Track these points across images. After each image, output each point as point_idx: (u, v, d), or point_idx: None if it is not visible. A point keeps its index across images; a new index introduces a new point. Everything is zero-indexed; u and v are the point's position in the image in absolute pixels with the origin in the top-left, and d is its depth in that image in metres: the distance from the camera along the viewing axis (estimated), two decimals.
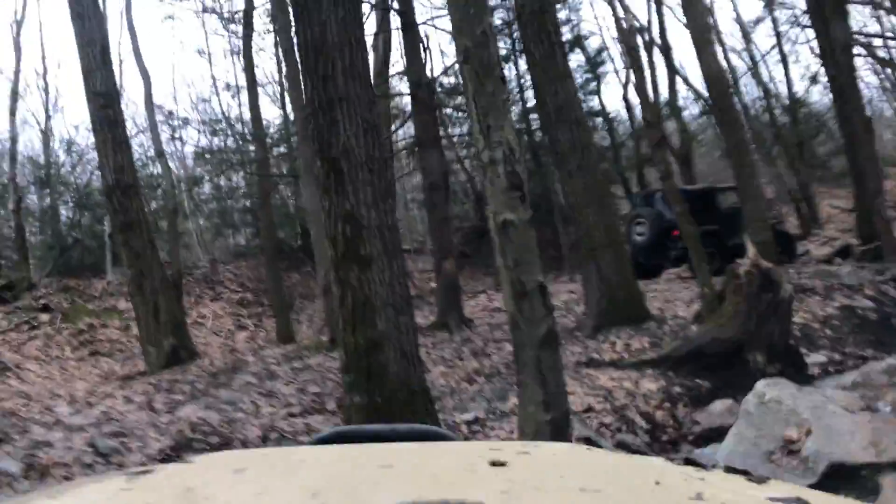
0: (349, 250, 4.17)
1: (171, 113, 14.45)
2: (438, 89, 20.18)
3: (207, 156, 20.49)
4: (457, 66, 22.08)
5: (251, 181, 25.33)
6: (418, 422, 4.03)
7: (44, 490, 1.29)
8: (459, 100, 23.45)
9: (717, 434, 6.01)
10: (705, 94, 18.67)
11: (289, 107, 18.45)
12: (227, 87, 24.17)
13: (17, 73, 20.42)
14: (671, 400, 6.98)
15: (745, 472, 1.32)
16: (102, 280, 21.14)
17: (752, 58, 25.94)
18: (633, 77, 24.61)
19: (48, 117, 24.64)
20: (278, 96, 22.45)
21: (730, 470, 1.51)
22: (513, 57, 23.80)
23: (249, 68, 14.37)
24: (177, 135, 17.07)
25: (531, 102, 22.86)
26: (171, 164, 20.89)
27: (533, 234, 3.65)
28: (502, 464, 1.22)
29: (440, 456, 1.44)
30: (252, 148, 19.89)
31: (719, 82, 13.08)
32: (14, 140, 20.82)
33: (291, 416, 7.35)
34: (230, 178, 25.13)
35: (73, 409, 8.82)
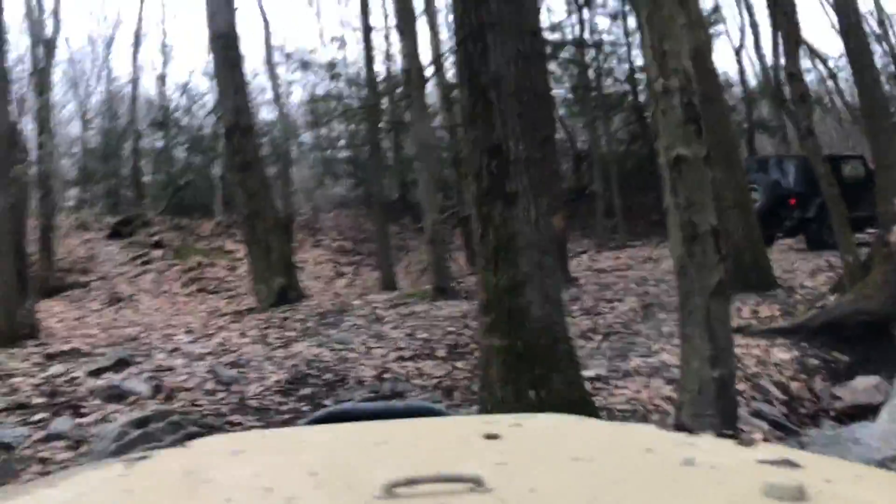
0: (494, 185, 3.95)
1: (289, 56, 14.47)
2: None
3: (322, 102, 20.57)
4: (565, 17, 21.40)
5: (354, 132, 25.54)
6: (561, 372, 3.83)
7: (44, 478, 1.29)
8: (564, 55, 22.75)
9: (862, 412, 5.58)
10: (830, 54, 17.30)
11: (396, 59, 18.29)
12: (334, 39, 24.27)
13: (140, 17, 21.03)
14: (806, 372, 6.53)
15: (733, 436, 1.32)
16: (212, 221, 21.90)
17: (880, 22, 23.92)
18: (749, 36, 23.24)
19: (165, 62, 25.50)
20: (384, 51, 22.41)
21: (720, 435, 1.45)
22: (622, 13, 22.74)
23: (364, 10, 14.30)
24: (293, 76, 17.13)
25: (638, 61, 21.92)
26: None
27: (708, 173, 3.34)
28: (496, 437, 1.24)
29: (435, 431, 1.46)
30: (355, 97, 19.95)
31: (857, 37, 12.03)
32: (135, 83, 21.62)
33: (402, 359, 7.31)
34: (333, 128, 25.35)
35: (191, 338, 9.12)
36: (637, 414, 4.92)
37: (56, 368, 7.42)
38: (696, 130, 3.32)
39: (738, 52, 24.17)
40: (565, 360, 3.92)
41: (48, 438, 5.32)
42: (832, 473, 1.02)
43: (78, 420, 5.68)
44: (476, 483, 0.92)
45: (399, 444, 1.31)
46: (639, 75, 21.02)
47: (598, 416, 3.97)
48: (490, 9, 4.00)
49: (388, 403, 2.17)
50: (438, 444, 1.31)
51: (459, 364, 7.02)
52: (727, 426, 3.25)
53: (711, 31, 23.84)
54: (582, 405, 3.89)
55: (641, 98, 22.15)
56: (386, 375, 6.69)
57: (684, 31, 3.37)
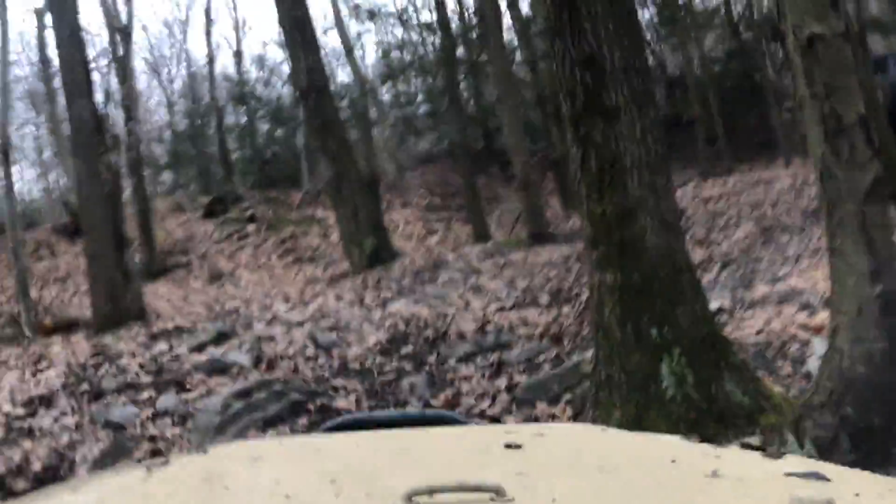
0: (590, 101, 3.46)
1: (356, 6, 14.03)
2: None
3: (397, 50, 20.09)
4: None
5: (432, 87, 25.05)
6: (686, 306, 3.35)
7: (66, 483, 1.36)
8: None
9: None
10: None
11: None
12: None
13: None
14: None
15: (761, 448, 1.32)
16: (300, 190, 22.05)
17: None
18: None
19: (239, 37, 25.65)
20: None
21: (746, 446, 1.40)
22: None
23: None
24: (365, 27, 16.62)
25: None
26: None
27: (849, 54, 2.74)
28: (518, 446, 1.22)
29: (455, 440, 1.43)
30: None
31: None
32: (211, 60, 21.80)
33: (503, 309, 6.96)
34: (410, 83, 24.93)
35: (288, 306, 9.06)
36: (772, 346, 4.38)
37: (160, 347, 7.48)
38: (833, 3, 2.73)
39: None
40: (689, 292, 3.44)
41: (156, 416, 5.28)
42: (861, 487, 1.00)
43: (183, 395, 5.64)
44: (497, 493, 0.90)
45: (419, 452, 1.29)
46: None
47: (732, 354, 3.49)
48: None
49: (404, 411, 2.31)
50: (459, 453, 1.28)
51: (565, 310, 6.60)
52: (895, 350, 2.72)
53: None
54: (712, 342, 3.41)
55: (736, 11, 20.52)
56: (488, 328, 6.34)
57: None
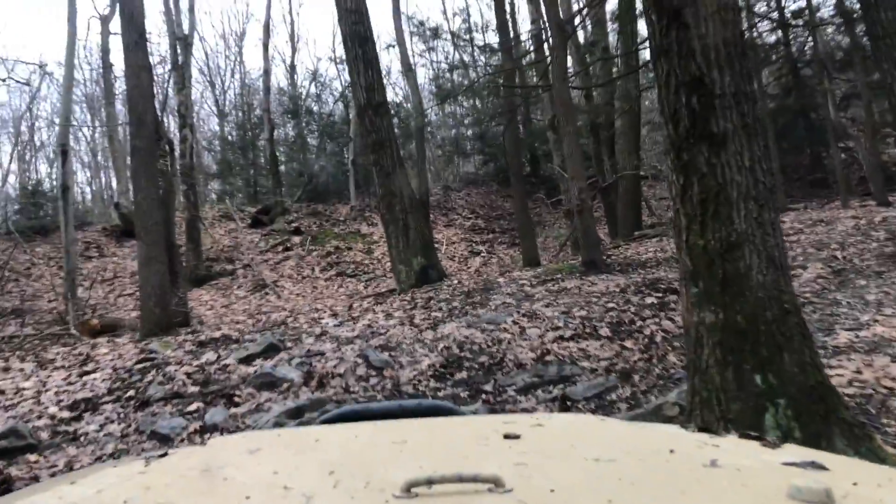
0: (696, 126, 3.22)
1: (421, 23, 13.98)
2: None
3: (453, 71, 20.06)
4: None
5: (482, 108, 24.98)
6: (793, 352, 3.07)
7: (65, 475, 1.27)
8: None
9: None
10: None
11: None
12: (456, 14, 23.58)
13: (268, 7, 21.34)
14: None
15: (759, 437, 1.25)
16: (346, 205, 22.08)
17: None
18: None
19: (294, 51, 25.92)
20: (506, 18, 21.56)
21: (744, 436, 1.24)
22: None
23: None
24: (429, 45, 16.63)
25: (793, 4, 19.88)
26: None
27: None
28: (516, 436, 1.24)
29: (453, 430, 1.44)
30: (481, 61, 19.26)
31: None
32: (267, 73, 22.00)
33: (562, 339, 6.68)
34: (461, 104, 24.91)
35: (337, 321, 8.88)
36: (873, 400, 4.05)
37: (208, 356, 7.35)
38: None
39: None
40: (797, 336, 3.15)
41: (203, 429, 5.12)
42: (859, 476, 0.99)
43: (232, 410, 5.47)
44: (495, 483, 0.90)
45: (417, 443, 1.28)
46: (792, 21, 19.02)
47: (843, 408, 3.19)
48: None
49: (400, 402, 2.00)
50: (457, 444, 1.28)
51: (628, 344, 6.32)
52: None
53: None
54: (821, 393, 3.12)
55: (794, 47, 20.08)
56: (548, 358, 6.08)
57: None
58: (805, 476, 0.95)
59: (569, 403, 4.92)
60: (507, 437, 1.23)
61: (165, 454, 1.27)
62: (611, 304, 7.69)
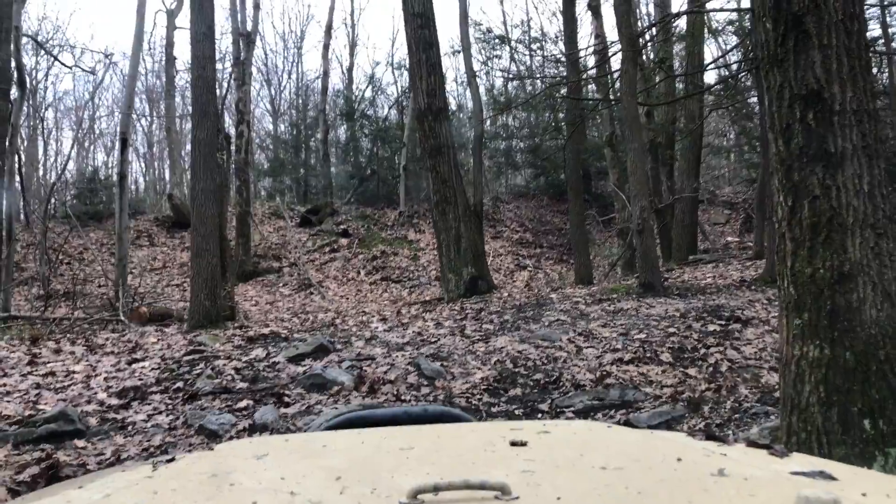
0: (811, 144, 2.98)
1: (489, 30, 13.84)
2: None
3: (509, 83, 19.90)
4: None
5: (534, 123, 24.77)
6: None
7: (72, 480, 1.24)
8: None
9: None
10: None
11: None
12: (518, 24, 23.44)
13: (331, 9, 21.49)
14: None
15: (767, 447, 1.22)
16: (395, 211, 22.04)
17: None
18: None
19: (352, 55, 26.07)
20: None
21: (752, 444, 1.20)
22: None
23: None
24: (495, 52, 16.47)
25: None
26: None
27: None
28: (523, 444, 1.24)
29: (460, 437, 1.43)
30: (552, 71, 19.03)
31: None
32: (326, 74, 22.11)
33: (621, 361, 6.42)
34: (515, 116, 24.73)
35: (387, 326, 8.74)
36: None
37: (257, 352, 7.26)
38: None
39: None
40: None
41: (253, 428, 4.99)
42: (869, 487, 0.98)
43: (282, 410, 5.33)
44: (502, 491, 0.90)
45: (424, 449, 1.29)
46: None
47: None
48: None
49: (406, 409, 1.89)
50: (464, 451, 1.27)
51: (691, 371, 6.02)
52: None
53: None
54: None
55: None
56: (609, 380, 5.82)
57: None
58: (814, 486, 0.95)
59: None
60: (513, 444, 1.24)
61: (173, 459, 1.28)
62: (671, 329, 7.39)
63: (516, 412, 5.41)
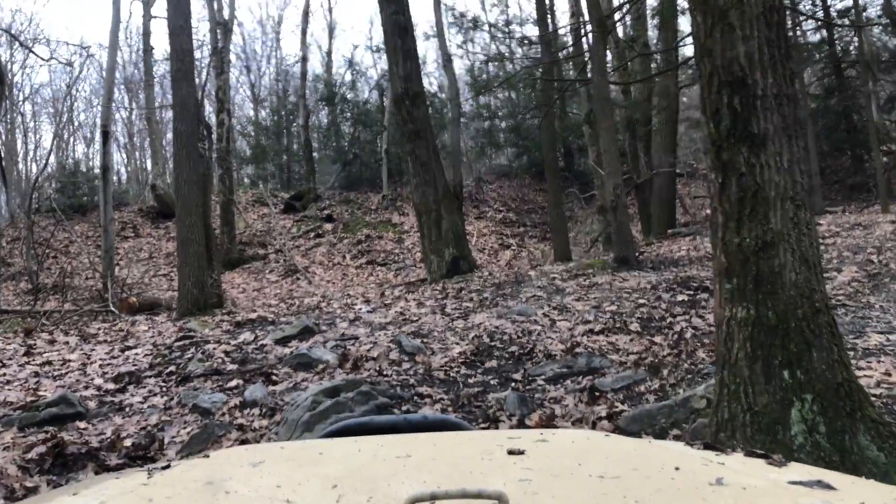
0: (737, 126, 3.30)
1: (462, 15, 14.03)
2: None
3: (489, 63, 20.12)
4: None
5: (514, 102, 24.99)
6: (822, 350, 3.15)
7: (66, 487, 1.29)
8: None
9: None
10: None
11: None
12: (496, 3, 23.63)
13: None
14: None
15: (765, 456, 1.25)
16: (378, 194, 22.29)
17: None
18: None
19: (331, 39, 26.14)
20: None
21: (750, 454, 1.27)
22: None
23: None
24: (468, 36, 16.71)
25: (839, 3, 19.60)
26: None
27: None
28: (520, 452, 1.24)
29: (457, 446, 1.43)
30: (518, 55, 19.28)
31: None
32: (304, 59, 22.21)
33: (592, 332, 6.77)
34: (496, 96, 24.93)
35: (370, 307, 9.06)
36: None
37: (245, 336, 7.57)
38: None
39: None
40: (826, 334, 3.22)
41: (244, 405, 5.30)
42: (867, 496, 0.99)
43: (270, 387, 5.65)
44: (499, 500, 0.90)
45: (421, 458, 1.29)
46: (837, 21, 18.72)
47: (870, 406, 3.26)
48: None
49: (405, 416, 1.98)
50: (461, 459, 1.28)
51: (658, 339, 6.38)
52: None
53: None
54: (847, 390, 3.19)
55: (839, 47, 19.76)
56: (578, 350, 6.18)
57: None
58: (811, 495, 0.96)
59: (597, 394, 5.02)
60: (511, 452, 1.24)
61: (168, 466, 1.29)
62: (642, 301, 7.76)
63: (491, 382, 5.75)
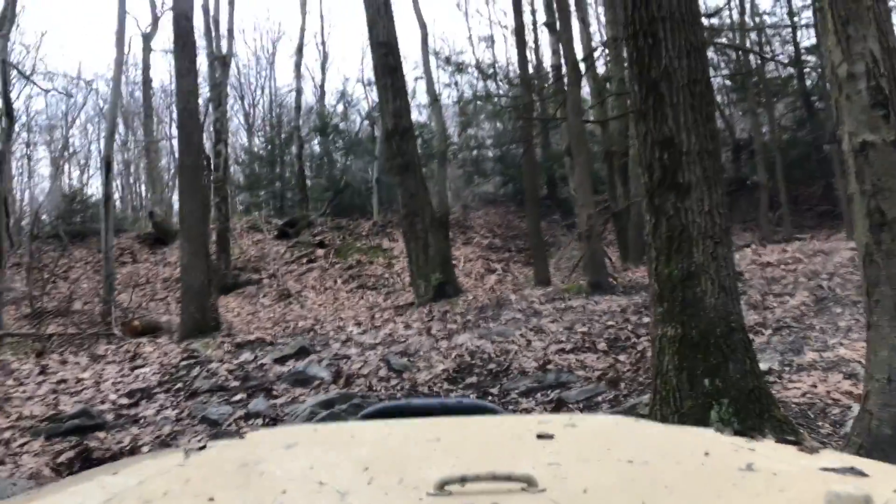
0: (666, 177, 4.00)
1: (447, 59, 14.89)
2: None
3: (477, 101, 21.02)
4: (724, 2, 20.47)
5: (502, 131, 25.85)
6: (736, 362, 3.83)
7: (108, 466, 1.34)
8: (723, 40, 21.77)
9: None
10: None
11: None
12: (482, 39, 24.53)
13: (302, 29, 22.38)
14: None
15: (796, 442, 1.25)
16: (369, 221, 22.99)
17: None
18: None
19: (324, 73, 27.05)
20: (531, 47, 22.54)
21: (781, 440, 1.38)
22: None
23: (518, 9, 14.48)
24: (453, 79, 17.62)
25: (807, 41, 20.62)
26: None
27: None
28: (549, 436, 1.23)
29: (487, 430, 1.44)
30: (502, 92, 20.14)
31: None
32: (298, 92, 23.04)
33: (563, 351, 7.43)
34: (482, 127, 25.78)
35: (361, 329, 9.71)
36: (815, 408, 4.78)
37: (245, 356, 8.19)
38: (884, 115, 3.23)
39: None
40: (740, 349, 3.90)
41: (248, 416, 5.93)
42: None
43: (271, 401, 6.28)
44: (529, 483, 0.91)
45: (451, 441, 1.30)
46: (806, 57, 19.71)
47: (776, 408, 3.93)
48: (661, 2, 4.06)
49: (440, 399, 2.11)
50: (491, 443, 1.30)
51: (621, 357, 7.06)
52: None
53: (892, 2, 21.78)
54: (758, 396, 3.86)
55: (809, 82, 20.72)
56: (549, 367, 6.84)
57: (871, 12, 3.28)
58: (844, 482, 0.95)
59: (563, 405, 5.68)
60: (540, 436, 1.24)
61: (204, 447, 1.31)
62: (610, 322, 8.44)
63: (471, 395, 6.40)
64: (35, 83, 21.44)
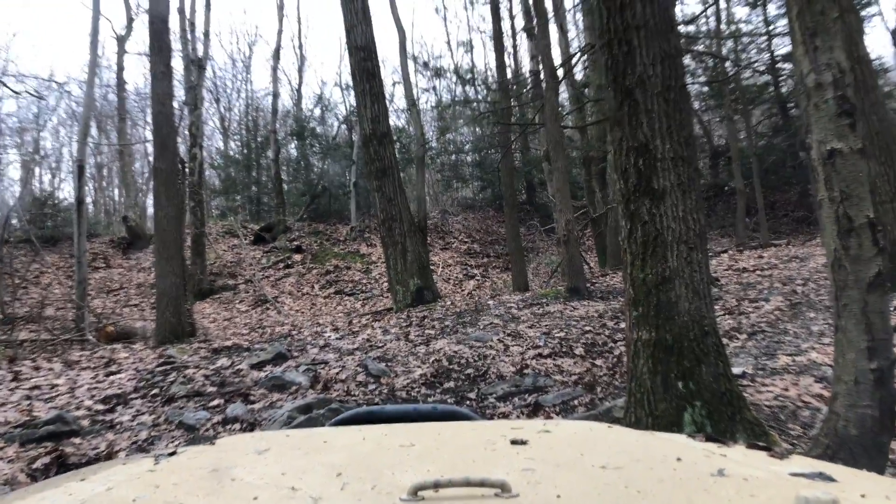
0: (641, 183, 4.06)
1: (426, 64, 14.94)
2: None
3: (457, 106, 21.12)
4: (700, 9, 20.74)
5: (480, 136, 25.95)
6: (709, 365, 3.89)
7: (76, 472, 1.32)
8: (699, 47, 22.04)
9: None
10: None
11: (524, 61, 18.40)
12: (461, 44, 24.63)
13: (279, 32, 22.30)
14: None
15: (766, 448, 1.27)
16: (346, 226, 22.96)
17: None
18: None
19: (301, 76, 26.96)
20: (510, 52, 22.68)
21: (752, 446, 1.39)
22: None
23: (496, 15, 14.57)
24: (431, 84, 17.66)
25: (782, 48, 20.94)
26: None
27: (864, 165, 3.31)
28: (523, 442, 1.25)
29: (462, 435, 1.45)
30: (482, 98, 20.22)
31: None
32: (275, 96, 22.94)
33: (541, 356, 7.48)
34: (460, 132, 25.86)
35: (339, 335, 9.68)
36: (786, 410, 4.87)
37: (222, 361, 8.14)
38: (851, 124, 3.31)
39: (894, 34, 22.51)
40: (713, 353, 3.97)
41: (226, 421, 5.90)
42: (867, 488, 0.99)
43: (249, 406, 6.25)
44: (502, 489, 0.92)
45: (425, 447, 1.30)
46: (781, 65, 20.03)
47: (747, 410, 4.00)
48: (636, 11, 4.13)
49: (414, 406, 2.08)
50: (465, 448, 1.30)
51: (598, 362, 7.12)
52: (885, 418, 3.23)
53: (863, 13, 22.26)
54: (730, 398, 3.93)
55: (784, 89, 21.05)
56: (526, 371, 6.88)
57: (837, 23, 3.36)
58: (813, 487, 0.96)
59: (539, 408, 5.72)
60: (514, 442, 1.25)
61: (174, 453, 1.30)
62: (588, 328, 8.51)
63: (448, 400, 6.42)
64: (6, 85, 21.07)
